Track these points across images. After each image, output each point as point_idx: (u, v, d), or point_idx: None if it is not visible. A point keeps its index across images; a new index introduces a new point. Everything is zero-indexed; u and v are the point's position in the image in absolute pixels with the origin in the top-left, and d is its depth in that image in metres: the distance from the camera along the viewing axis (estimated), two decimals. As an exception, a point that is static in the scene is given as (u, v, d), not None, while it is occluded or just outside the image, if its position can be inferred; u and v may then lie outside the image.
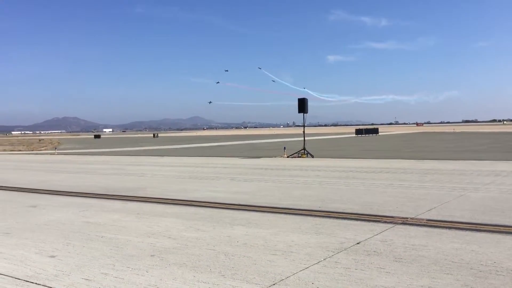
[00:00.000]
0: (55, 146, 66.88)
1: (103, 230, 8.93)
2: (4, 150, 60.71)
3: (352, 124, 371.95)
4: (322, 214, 9.93)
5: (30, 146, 70.80)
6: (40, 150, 60.09)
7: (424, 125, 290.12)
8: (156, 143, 72.65)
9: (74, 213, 10.90)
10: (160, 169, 23.74)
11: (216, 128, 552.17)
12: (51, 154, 46.38)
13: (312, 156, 29.33)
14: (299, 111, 30.59)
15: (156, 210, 11.07)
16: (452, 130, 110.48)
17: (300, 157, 29.58)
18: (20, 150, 60.04)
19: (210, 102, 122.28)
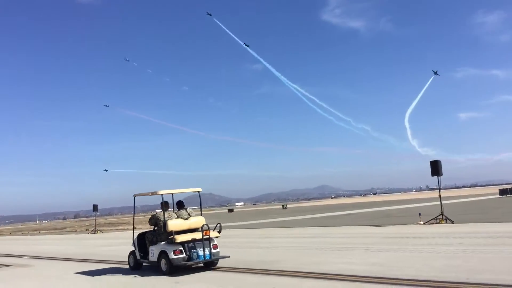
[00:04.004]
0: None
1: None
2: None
3: (495, 183, 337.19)
4: (471, 287, 9.08)
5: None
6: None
7: None
8: (286, 214, 73.48)
9: (215, 288, 11.40)
10: (291, 240, 23.88)
11: (344, 196, 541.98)
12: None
13: (452, 222, 27.16)
14: (433, 174, 28.99)
15: (291, 283, 11.12)
16: None
17: (438, 223, 27.59)
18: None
19: (106, 170, 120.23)
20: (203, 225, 14.39)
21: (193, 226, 14.65)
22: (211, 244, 14.36)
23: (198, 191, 15.28)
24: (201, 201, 16.19)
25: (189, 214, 15.11)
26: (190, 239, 14.04)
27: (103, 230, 66.50)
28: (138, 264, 15.79)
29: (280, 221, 50.97)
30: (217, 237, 14.74)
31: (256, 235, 31.02)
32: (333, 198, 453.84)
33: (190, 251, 14.00)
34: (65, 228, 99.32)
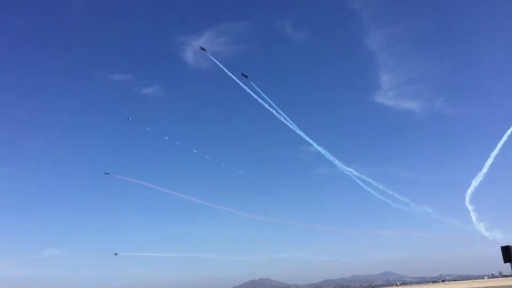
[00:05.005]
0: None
1: None
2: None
3: None
4: None
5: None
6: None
7: None
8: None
9: None
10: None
11: (410, 283, 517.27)
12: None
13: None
14: (505, 261, 32.69)
15: None
16: None
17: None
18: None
19: (116, 254, 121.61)
20: None
21: None
22: None
23: None
24: None
25: None
26: None
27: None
28: None
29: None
30: None
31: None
32: (398, 285, 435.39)
33: None
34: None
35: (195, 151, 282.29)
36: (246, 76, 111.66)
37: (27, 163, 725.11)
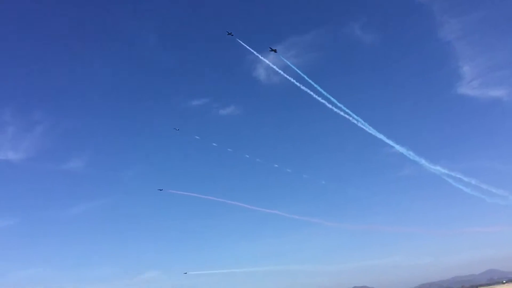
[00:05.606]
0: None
1: None
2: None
3: None
4: None
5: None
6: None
7: None
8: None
9: None
10: None
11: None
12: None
13: None
14: None
15: None
16: None
17: None
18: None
19: (185, 273, 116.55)
20: None
21: None
22: None
23: None
24: None
25: None
26: None
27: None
28: None
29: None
30: None
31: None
32: (505, 283, 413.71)
33: None
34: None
35: (276, 165, 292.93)
36: (275, 51, 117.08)
37: (122, 192, 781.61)
